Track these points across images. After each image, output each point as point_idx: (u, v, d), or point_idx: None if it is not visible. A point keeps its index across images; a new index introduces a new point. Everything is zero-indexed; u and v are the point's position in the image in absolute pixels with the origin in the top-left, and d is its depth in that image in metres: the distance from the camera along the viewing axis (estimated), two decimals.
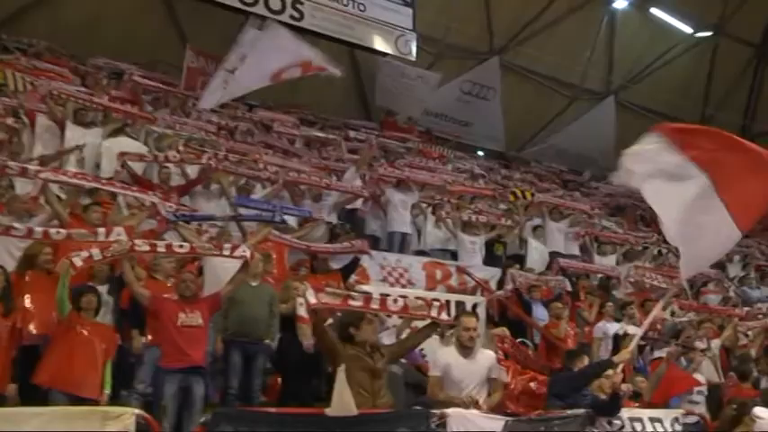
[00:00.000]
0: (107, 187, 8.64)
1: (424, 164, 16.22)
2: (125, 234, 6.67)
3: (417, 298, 6.08)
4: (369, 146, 13.95)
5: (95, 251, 6.14)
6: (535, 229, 12.93)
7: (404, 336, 7.00)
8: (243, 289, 7.04)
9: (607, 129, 24.14)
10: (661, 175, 5.73)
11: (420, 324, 6.28)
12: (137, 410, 4.87)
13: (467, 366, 6.10)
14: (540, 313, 9.86)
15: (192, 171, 10.45)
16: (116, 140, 10.52)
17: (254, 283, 7.29)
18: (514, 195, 15.09)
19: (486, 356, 6.25)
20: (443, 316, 5.84)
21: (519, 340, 8.19)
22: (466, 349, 6.11)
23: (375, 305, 5.62)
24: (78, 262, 6.00)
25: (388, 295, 8.52)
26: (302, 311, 5.92)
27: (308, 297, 5.34)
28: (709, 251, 5.77)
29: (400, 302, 5.75)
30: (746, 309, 11.65)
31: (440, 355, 6.13)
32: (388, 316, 7.03)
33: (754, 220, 5.56)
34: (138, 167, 10.03)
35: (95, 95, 11.94)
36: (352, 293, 5.80)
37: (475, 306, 9.56)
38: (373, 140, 15.52)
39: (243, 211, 9.43)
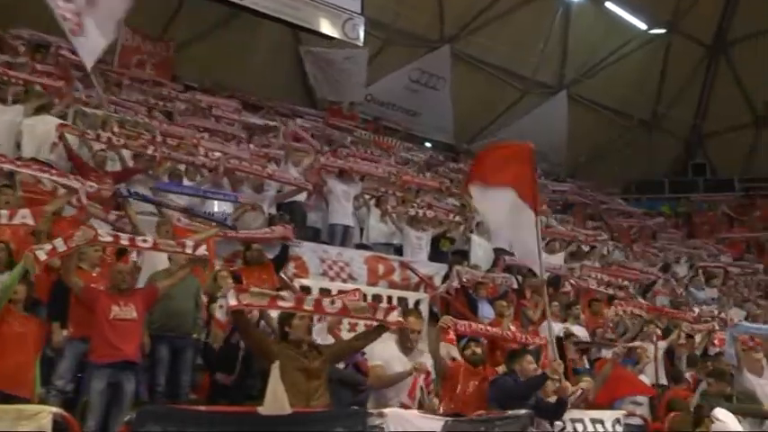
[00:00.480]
0: (23, 169, 8.38)
1: (368, 154, 16.22)
2: (31, 217, 6.49)
3: (357, 297, 5.92)
4: (284, 134, 13.60)
5: (58, 242, 5.91)
6: (478, 224, 13.06)
7: (339, 331, 6.98)
8: None
9: (559, 123, 24.61)
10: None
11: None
12: (54, 409, 4.72)
13: (409, 363, 6.15)
14: (487, 311, 9.97)
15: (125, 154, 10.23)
16: (39, 119, 10.15)
17: None
18: None
19: (427, 358, 6.32)
20: (392, 318, 5.66)
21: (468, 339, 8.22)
22: (407, 348, 6.15)
23: (309, 306, 5.44)
24: (42, 255, 5.78)
25: (328, 290, 8.60)
26: (219, 314, 5.69)
27: (229, 299, 5.20)
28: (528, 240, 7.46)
29: (338, 303, 5.62)
30: (696, 310, 12.03)
31: (378, 349, 6.10)
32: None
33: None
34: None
35: (15, 68, 11.54)
36: (281, 294, 5.58)
37: (418, 303, 9.65)
38: (288, 128, 15.15)
39: (173, 197, 9.30)
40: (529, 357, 6.79)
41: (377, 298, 9.10)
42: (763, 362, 8.59)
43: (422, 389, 6.06)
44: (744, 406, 7.68)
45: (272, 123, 16.06)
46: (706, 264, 18.24)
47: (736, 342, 8.54)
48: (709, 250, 20.81)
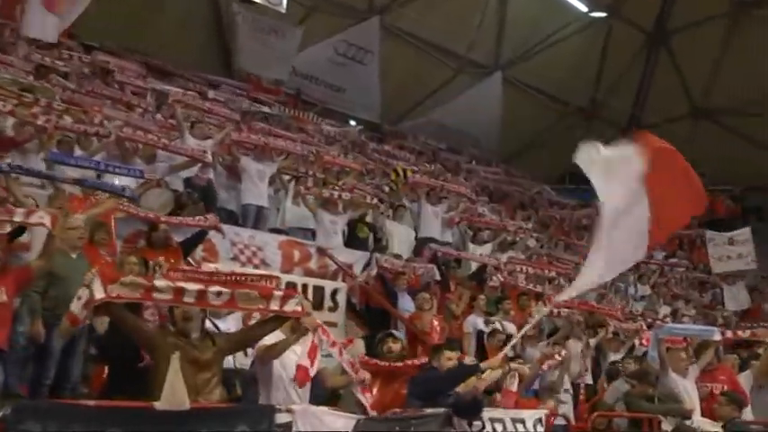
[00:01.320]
0: None
1: (288, 131, 16.08)
2: None
3: (251, 290, 5.71)
4: (174, 103, 13.21)
5: None
6: (397, 208, 13.10)
7: (250, 320, 6.91)
8: (63, 263, 6.73)
9: (492, 107, 24.93)
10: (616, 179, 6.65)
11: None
12: None
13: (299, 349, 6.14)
14: (407, 304, 10.08)
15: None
16: None
17: (73, 255, 6.98)
18: (396, 173, 15.19)
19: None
20: (289, 307, 5.55)
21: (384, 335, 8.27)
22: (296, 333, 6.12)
23: (190, 299, 5.29)
24: None
25: (234, 274, 8.45)
26: (75, 308, 5.42)
27: (94, 290, 4.99)
28: (621, 260, 6.83)
29: (225, 296, 5.40)
30: (618, 306, 12.41)
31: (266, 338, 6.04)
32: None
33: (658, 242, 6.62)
34: None
35: None
36: (158, 284, 5.32)
37: (335, 292, 9.67)
38: (178, 94, 14.79)
39: (66, 170, 8.99)
40: (448, 353, 6.89)
41: (291, 286, 9.05)
42: (689, 362, 8.98)
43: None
44: (665, 406, 8.05)
45: (182, 92, 15.61)
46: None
47: (660, 344, 8.91)
48: None
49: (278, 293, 5.62)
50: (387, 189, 14.29)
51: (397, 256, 11.28)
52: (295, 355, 6.10)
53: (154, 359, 5.33)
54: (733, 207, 27.10)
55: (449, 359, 6.83)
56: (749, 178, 26.64)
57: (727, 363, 9.96)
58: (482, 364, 6.82)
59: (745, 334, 10.49)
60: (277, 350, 5.89)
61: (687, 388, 8.62)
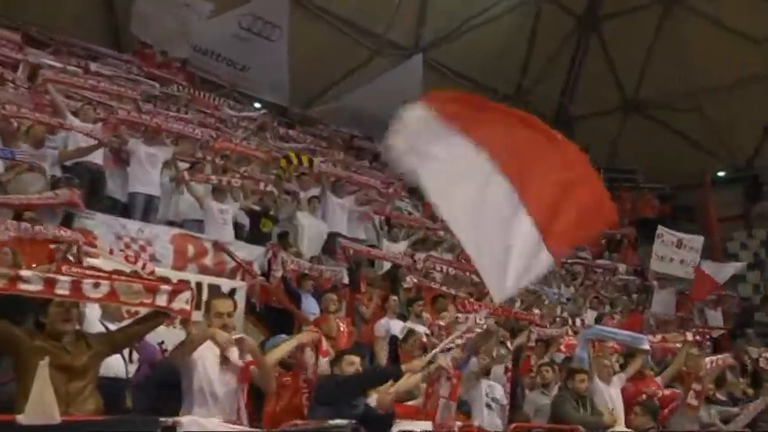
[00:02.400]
0: None
1: (183, 112, 15.86)
2: None
3: (135, 282, 5.53)
4: (45, 82, 12.69)
5: None
6: (310, 201, 13.05)
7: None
8: None
9: (411, 91, 24.98)
10: (439, 161, 5.75)
11: None
12: None
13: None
14: (312, 305, 10.07)
15: None
16: None
17: None
18: (287, 160, 14.97)
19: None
20: (178, 305, 5.39)
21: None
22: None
23: (63, 290, 5.08)
24: None
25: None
26: None
27: None
28: (519, 271, 5.51)
29: (104, 287, 5.22)
30: (536, 311, 12.67)
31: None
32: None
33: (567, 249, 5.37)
34: None
35: None
36: (24, 274, 5.11)
37: (233, 292, 9.55)
38: (53, 70, 14.21)
39: None
40: (350, 358, 6.89)
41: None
42: (612, 368, 9.27)
43: None
44: (585, 418, 8.26)
45: (58, 65, 15.06)
46: (567, 260, 19.29)
47: (588, 345, 9.14)
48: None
49: (165, 287, 5.45)
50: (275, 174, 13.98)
51: (298, 255, 11.23)
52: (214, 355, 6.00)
53: (18, 365, 5.13)
54: (659, 206, 27.90)
55: (350, 364, 6.82)
56: (681, 176, 27.48)
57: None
58: (403, 367, 6.87)
59: (656, 339, 10.88)
60: (193, 343, 5.83)
61: (612, 396, 8.89)
